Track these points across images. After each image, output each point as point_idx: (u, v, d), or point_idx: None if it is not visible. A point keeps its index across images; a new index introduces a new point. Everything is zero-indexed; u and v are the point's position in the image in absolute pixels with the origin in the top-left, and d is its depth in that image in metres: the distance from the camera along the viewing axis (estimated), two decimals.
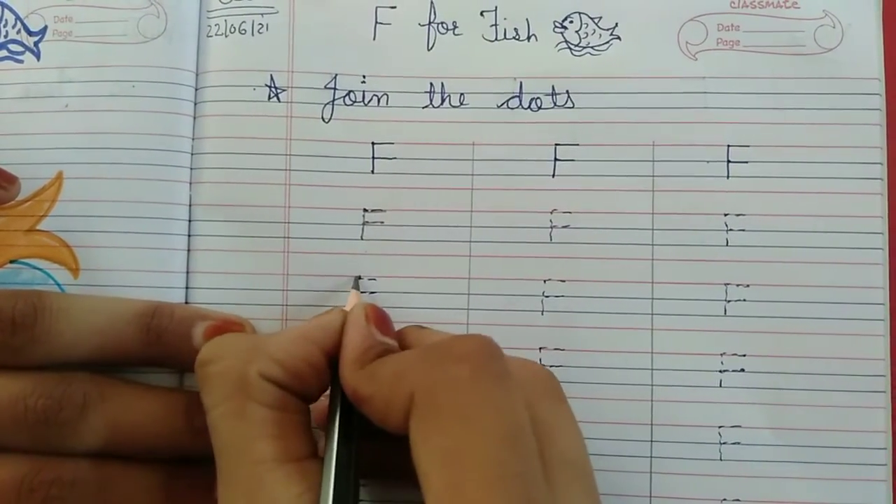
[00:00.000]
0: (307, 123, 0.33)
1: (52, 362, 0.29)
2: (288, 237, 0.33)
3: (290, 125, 0.33)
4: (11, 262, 0.32)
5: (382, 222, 0.33)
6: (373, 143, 0.33)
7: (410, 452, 0.23)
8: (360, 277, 0.33)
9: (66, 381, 0.29)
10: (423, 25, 0.34)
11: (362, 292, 0.33)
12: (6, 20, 0.34)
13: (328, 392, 0.28)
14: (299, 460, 0.25)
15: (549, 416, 0.25)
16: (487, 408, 0.23)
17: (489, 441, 0.22)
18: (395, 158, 0.33)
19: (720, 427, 0.32)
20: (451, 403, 0.23)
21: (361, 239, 0.33)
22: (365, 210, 0.33)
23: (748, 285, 0.32)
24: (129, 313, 0.30)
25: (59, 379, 0.29)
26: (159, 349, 0.30)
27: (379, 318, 0.28)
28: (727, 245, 0.32)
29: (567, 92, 0.33)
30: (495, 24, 0.34)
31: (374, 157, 0.33)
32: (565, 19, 0.34)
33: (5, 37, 0.34)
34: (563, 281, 0.33)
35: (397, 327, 0.32)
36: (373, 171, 0.33)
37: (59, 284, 0.32)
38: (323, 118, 0.34)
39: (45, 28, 0.34)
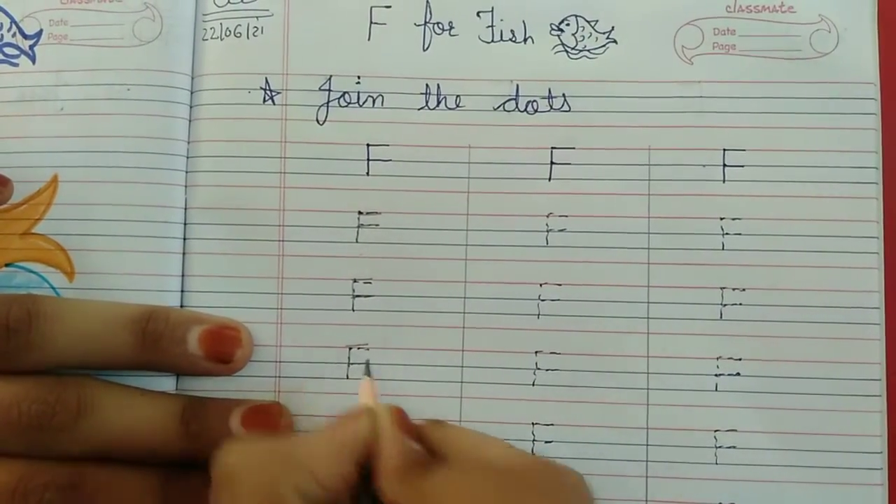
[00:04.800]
0: (302, 126, 0.33)
1: (47, 367, 0.29)
2: (283, 240, 0.33)
3: (285, 128, 0.33)
4: (6, 265, 0.32)
5: (378, 225, 0.33)
6: (368, 145, 0.33)
7: None
8: (370, 363, 0.32)
9: (61, 386, 0.29)
10: (419, 25, 0.34)
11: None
12: (1, 23, 0.34)
13: None
14: None
15: None
16: None
17: None
18: (390, 160, 0.33)
19: (716, 431, 0.32)
20: None
21: (356, 241, 0.33)
22: (360, 213, 0.33)
23: (744, 289, 0.32)
24: (124, 318, 0.30)
25: (53, 383, 0.29)
26: (154, 354, 0.30)
27: (402, 421, 0.27)
28: (723, 249, 0.32)
29: (563, 95, 0.33)
30: (492, 26, 0.34)
31: (369, 159, 0.33)
32: (562, 22, 0.34)
33: (0, 40, 0.34)
34: (559, 284, 0.33)
35: (394, 331, 0.32)
36: (368, 174, 0.33)
37: (54, 288, 0.32)
38: (318, 120, 0.33)
39: (41, 31, 0.34)
